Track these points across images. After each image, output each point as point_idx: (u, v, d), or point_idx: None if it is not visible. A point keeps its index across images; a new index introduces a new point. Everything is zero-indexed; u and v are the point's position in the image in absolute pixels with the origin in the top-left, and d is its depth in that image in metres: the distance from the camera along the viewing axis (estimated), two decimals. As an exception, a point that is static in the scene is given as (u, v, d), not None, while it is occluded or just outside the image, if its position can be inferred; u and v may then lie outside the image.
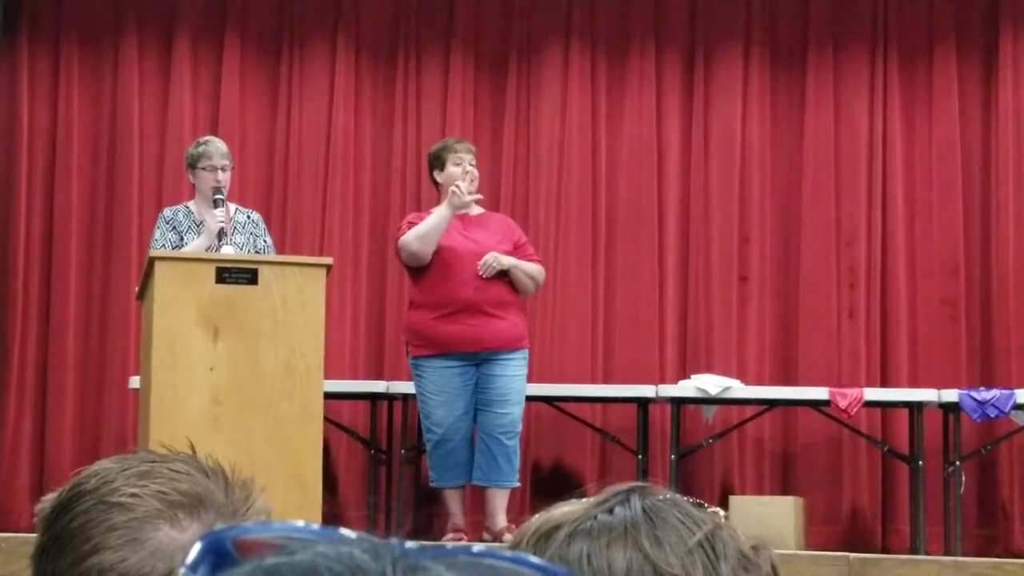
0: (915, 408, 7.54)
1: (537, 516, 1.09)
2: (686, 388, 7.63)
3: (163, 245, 6.37)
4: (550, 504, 1.11)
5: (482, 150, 8.08)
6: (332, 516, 7.45)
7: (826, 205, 8.43)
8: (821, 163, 8.47)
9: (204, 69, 8.69)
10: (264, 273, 5.71)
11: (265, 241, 6.57)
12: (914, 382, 8.09)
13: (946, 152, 8.41)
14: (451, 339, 6.80)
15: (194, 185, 6.63)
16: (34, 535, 1.38)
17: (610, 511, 1.07)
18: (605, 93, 8.60)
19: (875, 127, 8.47)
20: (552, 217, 8.47)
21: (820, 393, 7.54)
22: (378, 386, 7.88)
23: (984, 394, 7.39)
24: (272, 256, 6.27)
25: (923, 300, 8.34)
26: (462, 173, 6.90)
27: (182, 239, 6.41)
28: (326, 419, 6.15)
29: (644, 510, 1.07)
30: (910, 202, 8.43)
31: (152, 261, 5.73)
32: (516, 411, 6.90)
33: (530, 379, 7.15)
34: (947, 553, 7.32)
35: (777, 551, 1.14)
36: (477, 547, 0.71)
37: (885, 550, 7.86)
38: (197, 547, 0.75)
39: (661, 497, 1.08)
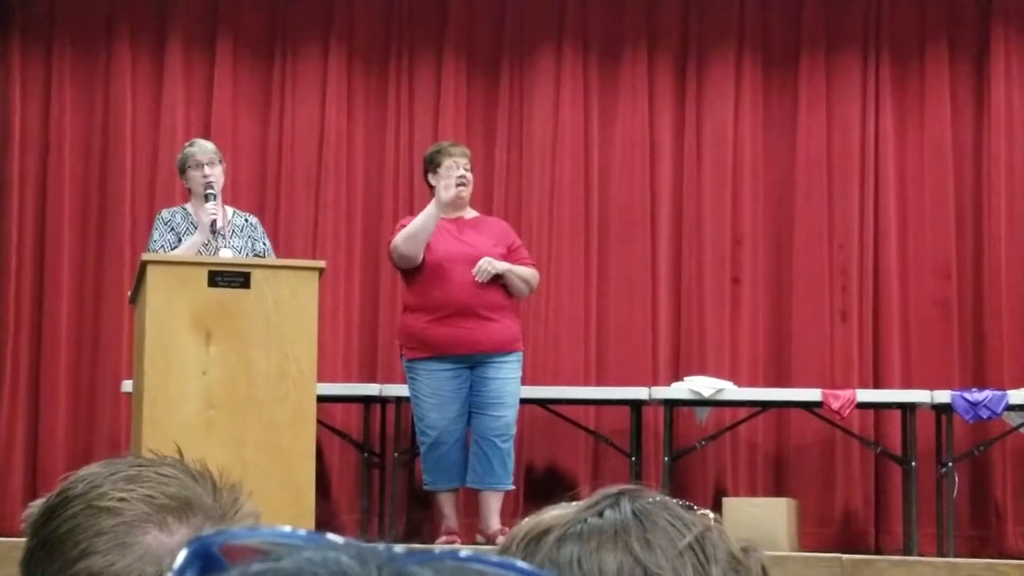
0: (908, 409, 7.55)
1: (526, 520, 1.09)
2: (679, 390, 7.63)
3: (161, 246, 6.37)
4: (544, 507, 1.11)
5: (475, 153, 8.06)
6: (325, 519, 7.45)
7: (818, 207, 8.44)
8: (813, 165, 8.48)
9: (197, 73, 8.69)
10: (257, 277, 5.71)
11: (264, 244, 6.57)
12: (907, 383, 8.10)
13: (938, 153, 8.43)
14: (445, 342, 6.80)
15: (189, 189, 6.63)
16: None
17: (600, 514, 1.07)
18: (597, 96, 8.61)
19: (867, 129, 8.48)
20: (545, 220, 8.48)
21: (813, 395, 7.55)
22: (371, 389, 7.88)
23: (976, 395, 7.40)
24: (265, 259, 6.26)
25: (915, 301, 8.36)
26: (454, 176, 6.90)
27: (180, 240, 6.41)
28: (319, 422, 6.15)
29: (634, 513, 1.07)
30: (902, 204, 8.44)
31: (144, 265, 5.73)
32: (510, 414, 6.90)
33: (523, 381, 7.15)
34: (940, 554, 7.32)
35: (770, 553, 1.15)
36: (465, 552, 0.71)
37: (878, 551, 7.87)
38: (184, 552, 0.75)
39: (651, 500, 1.08)
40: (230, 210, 6.63)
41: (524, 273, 6.98)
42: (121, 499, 1.30)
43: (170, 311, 5.61)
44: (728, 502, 7.47)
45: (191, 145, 6.64)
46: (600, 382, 8.24)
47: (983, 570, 6.34)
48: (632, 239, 8.45)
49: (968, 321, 8.33)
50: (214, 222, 6.26)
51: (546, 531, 1.07)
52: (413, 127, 8.60)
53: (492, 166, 8.49)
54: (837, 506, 8.17)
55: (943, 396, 7.43)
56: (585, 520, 1.07)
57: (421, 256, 6.82)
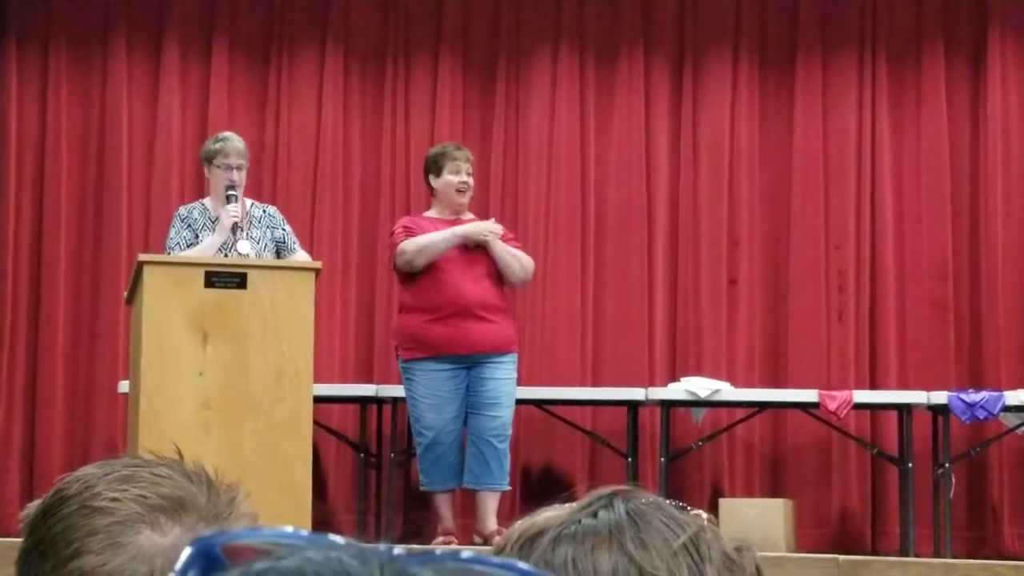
0: (904, 410, 7.55)
1: (520, 521, 1.10)
2: (676, 391, 7.64)
3: (178, 243, 6.36)
4: (540, 507, 1.12)
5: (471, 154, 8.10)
6: (322, 520, 7.45)
7: (815, 208, 8.44)
8: (810, 166, 8.48)
9: (193, 74, 8.69)
10: (253, 277, 5.71)
11: (284, 230, 6.56)
12: (903, 384, 8.10)
13: (934, 154, 8.43)
14: (442, 342, 6.80)
15: (208, 180, 6.60)
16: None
17: (594, 515, 1.08)
18: (594, 97, 8.61)
19: (863, 130, 8.48)
20: (541, 220, 8.48)
21: (809, 395, 7.56)
22: (368, 390, 7.88)
23: (973, 396, 7.40)
24: (261, 260, 6.25)
25: (912, 302, 8.36)
26: (458, 182, 6.92)
27: (197, 237, 6.39)
28: (316, 423, 6.15)
29: (628, 513, 1.07)
30: (899, 204, 8.45)
31: (141, 265, 5.73)
32: (507, 414, 6.90)
33: (520, 382, 7.16)
34: (936, 555, 7.33)
35: (767, 553, 1.15)
36: (466, 553, 0.71)
37: (875, 552, 7.88)
38: (186, 552, 0.75)
39: (644, 500, 1.09)
40: (248, 201, 6.62)
41: (517, 252, 6.99)
42: (114, 499, 1.30)
43: (167, 312, 5.61)
44: (725, 503, 7.48)
45: (223, 140, 6.58)
46: (596, 383, 8.24)
47: (979, 571, 6.34)
48: (628, 240, 8.45)
49: (965, 322, 8.34)
50: (236, 224, 6.26)
51: (540, 532, 1.08)
52: (409, 129, 8.60)
53: (488, 167, 8.49)
54: (834, 507, 8.17)
55: (940, 397, 7.44)
56: (579, 521, 1.07)
57: (422, 267, 6.84)
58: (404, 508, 8.03)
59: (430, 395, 6.85)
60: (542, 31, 8.63)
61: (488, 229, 6.92)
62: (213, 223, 6.42)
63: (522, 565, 0.73)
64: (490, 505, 6.93)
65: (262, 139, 8.63)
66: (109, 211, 8.54)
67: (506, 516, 7.09)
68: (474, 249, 6.89)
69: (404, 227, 6.96)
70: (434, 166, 7.00)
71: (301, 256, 6.54)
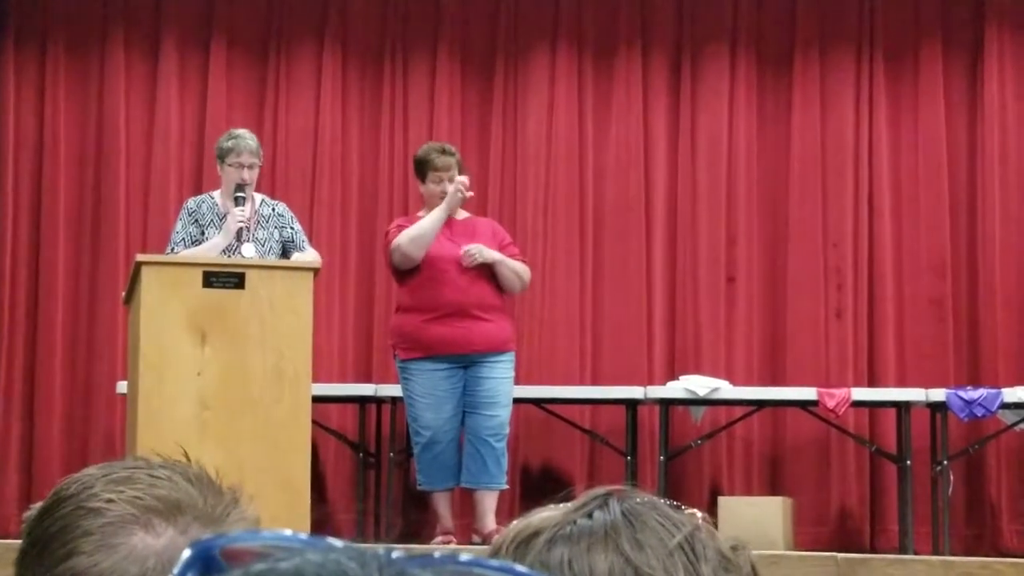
0: (903, 408, 7.55)
1: (515, 522, 1.10)
2: (674, 389, 7.64)
3: (183, 239, 6.34)
4: (539, 506, 1.12)
5: (469, 152, 8.10)
6: (321, 520, 7.44)
7: (813, 205, 8.44)
8: (808, 163, 8.48)
9: (191, 74, 8.69)
10: (251, 277, 5.71)
11: (293, 228, 6.52)
12: (901, 382, 8.11)
13: (932, 152, 8.44)
14: (439, 341, 6.80)
15: (220, 176, 6.58)
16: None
17: (589, 515, 1.08)
18: (592, 95, 8.61)
19: (861, 127, 8.49)
20: (540, 219, 8.48)
21: (808, 393, 7.56)
22: (366, 389, 7.88)
23: (971, 393, 7.41)
24: (259, 260, 6.23)
25: (910, 300, 8.36)
26: (440, 192, 6.90)
27: (203, 233, 6.37)
28: (314, 423, 6.16)
29: (623, 513, 1.07)
30: (897, 202, 8.45)
31: (139, 265, 5.73)
32: (504, 413, 6.91)
33: (519, 381, 7.16)
34: (935, 553, 7.34)
35: (766, 552, 1.16)
36: (465, 555, 0.71)
37: (873, 550, 7.88)
38: (185, 555, 0.76)
39: (639, 500, 1.09)
40: (259, 198, 6.59)
41: (516, 266, 6.99)
42: (109, 500, 1.30)
43: (165, 312, 5.61)
44: (724, 501, 7.48)
45: (236, 138, 6.56)
46: (595, 381, 8.24)
47: (978, 568, 6.34)
48: (627, 238, 8.45)
49: (963, 319, 8.34)
50: (241, 229, 6.23)
51: (536, 533, 1.08)
52: (408, 127, 8.60)
53: (486, 166, 8.50)
54: (832, 505, 8.17)
55: (938, 394, 7.44)
56: (574, 522, 1.08)
57: (421, 259, 6.83)
58: (403, 508, 8.03)
59: (427, 394, 6.85)
60: (540, 29, 8.63)
61: (456, 193, 6.85)
62: (221, 220, 6.39)
63: (520, 568, 0.73)
64: (488, 504, 6.94)
65: (260, 137, 8.58)
66: (107, 211, 8.54)
67: (506, 515, 7.09)
68: (478, 265, 6.87)
69: (399, 226, 6.97)
70: (419, 171, 7.02)
71: (311, 254, 6.50)
